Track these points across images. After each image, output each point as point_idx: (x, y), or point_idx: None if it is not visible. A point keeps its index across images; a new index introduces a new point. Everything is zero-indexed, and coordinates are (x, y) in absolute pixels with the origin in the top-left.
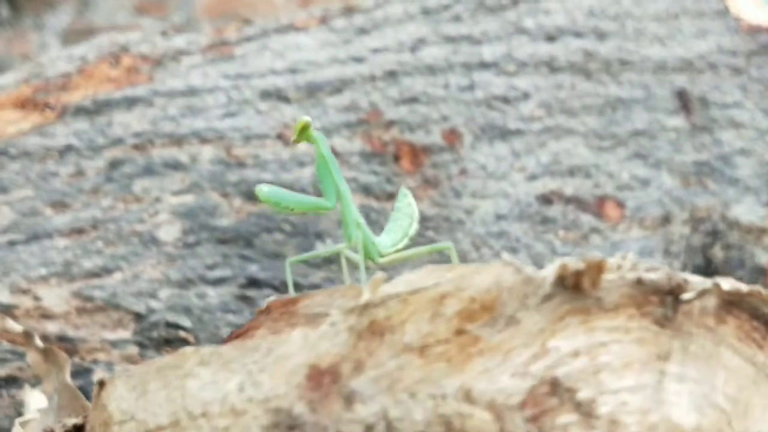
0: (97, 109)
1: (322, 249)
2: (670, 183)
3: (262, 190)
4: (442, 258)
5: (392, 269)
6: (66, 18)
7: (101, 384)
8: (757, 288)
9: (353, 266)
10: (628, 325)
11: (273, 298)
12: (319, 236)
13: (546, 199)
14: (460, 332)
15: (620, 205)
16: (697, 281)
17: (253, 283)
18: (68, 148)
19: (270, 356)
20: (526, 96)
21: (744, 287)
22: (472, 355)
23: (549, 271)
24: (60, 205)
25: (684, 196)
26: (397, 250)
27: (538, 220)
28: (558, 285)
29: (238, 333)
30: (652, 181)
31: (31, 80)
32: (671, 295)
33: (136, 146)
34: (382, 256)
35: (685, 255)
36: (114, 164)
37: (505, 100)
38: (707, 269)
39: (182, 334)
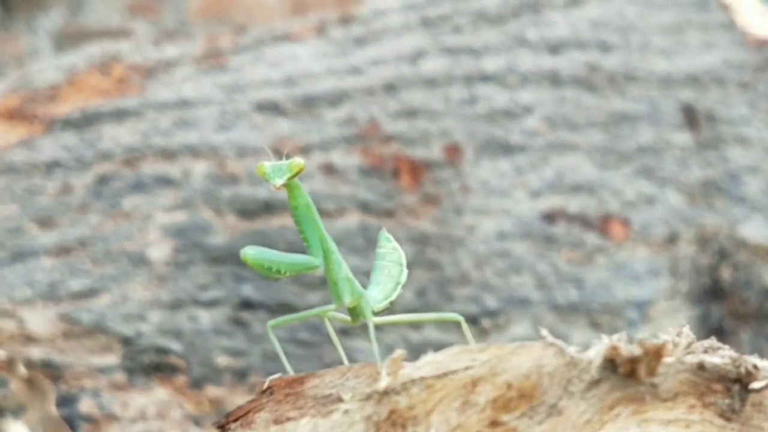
0: (86, 121)
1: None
2: (677, 201)
3: (249, 253)
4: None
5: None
6: (58, 20)
7: None
8: None
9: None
10: (688, 418)
11: (276, 376)
12: None
13: (549, 217)
14: (494, 424)
15: (625, 223)
16: None
17: (247, 304)
18: (55, 163)
19: None
20: (528, 110)
21: None
22: None
23: (595, 353)
24: (46, 223)
25: (690, 215)
26: (391, 302)
27: (542, 238)
28: (606, 369)
29: (237, 415)
30: (657, 198)
31: (19, 90)
32: (738, 383)
33: (126, 161)
34: (374, 313)
35: (692, 275)
36: (103, 180)
37: (508, 114)
38: (714, 290)
39: (173, 359)
